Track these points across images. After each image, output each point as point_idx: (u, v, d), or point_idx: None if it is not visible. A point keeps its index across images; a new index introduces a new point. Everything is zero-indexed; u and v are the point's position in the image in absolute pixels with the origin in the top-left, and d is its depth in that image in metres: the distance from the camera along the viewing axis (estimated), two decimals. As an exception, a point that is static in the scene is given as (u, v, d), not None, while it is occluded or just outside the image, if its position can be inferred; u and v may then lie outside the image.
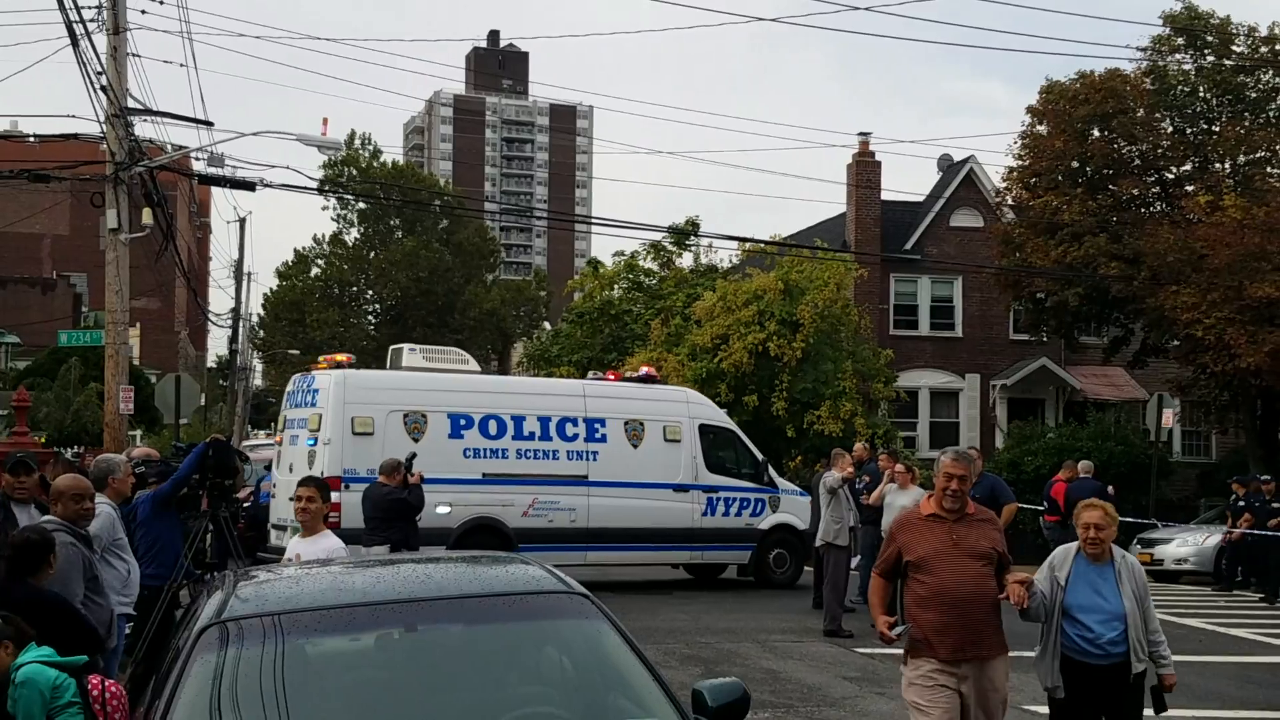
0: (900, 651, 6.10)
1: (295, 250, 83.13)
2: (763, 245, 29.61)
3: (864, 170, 31.71)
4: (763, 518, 17.87)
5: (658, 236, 33.75)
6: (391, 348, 17.90)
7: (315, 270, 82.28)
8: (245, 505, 16.76)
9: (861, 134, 31.98)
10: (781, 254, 29.25)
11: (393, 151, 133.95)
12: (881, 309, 31.77)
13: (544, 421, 16.50)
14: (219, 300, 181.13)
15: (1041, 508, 21.41)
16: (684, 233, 32.93)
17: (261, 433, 52.14)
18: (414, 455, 12.73)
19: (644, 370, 18.39)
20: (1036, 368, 31.85)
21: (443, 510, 15.54)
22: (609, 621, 4.41)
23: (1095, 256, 25.22)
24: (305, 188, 31.71)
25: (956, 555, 5.85)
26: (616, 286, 34.48)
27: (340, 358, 16.34)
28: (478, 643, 4.29)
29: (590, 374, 19.96)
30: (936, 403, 32.71)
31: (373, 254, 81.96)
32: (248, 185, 19.08)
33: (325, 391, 15.60)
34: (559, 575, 4.66)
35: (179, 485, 8.78)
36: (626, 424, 17.12)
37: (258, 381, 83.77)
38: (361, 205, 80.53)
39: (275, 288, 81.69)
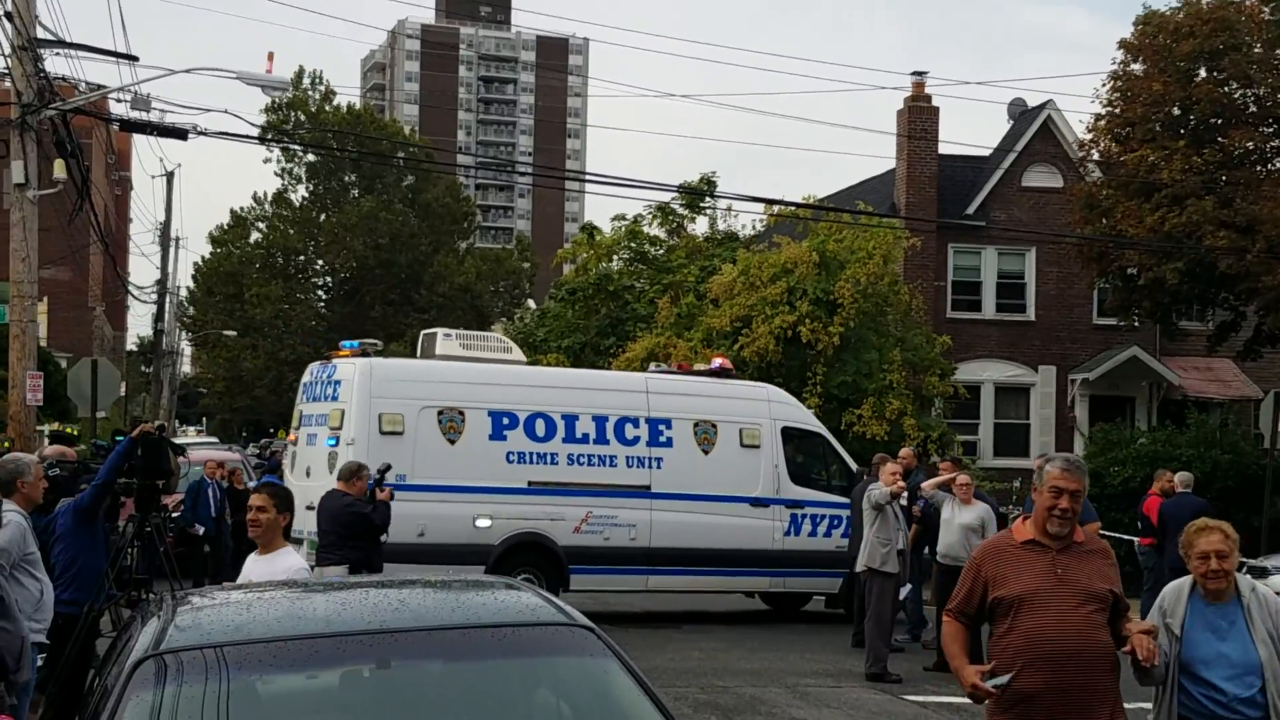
0: (964, 698, 5.85)
1: (232, 211, 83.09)
2: (793, 209, 29.62)
3: (918, 118, 31.70)
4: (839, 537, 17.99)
5: (666, 197, 33.79)
6: (423, 333, 18.37)
7: (255, 235, 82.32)
8: (174, 516, 16.97)
9: (915, 74, 31.95)
10: (816, 219, 29.26)
11: (348, 93, 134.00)
12: (937, 286, 31.81)
13: (600, 421, 16.95)
14: (141, 270, 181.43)
15: (1133, 529, 21.41)
16: (698, 193, 32.98)
17: (191, 429, 52.33)
18: (388, 467, 12.96)
19: (716, 362, 18.74)
20: (1125, 359, 31.89)
21: (483, 524, 16.05)
22: (618, 660, 4.43)
23: (1200, 224, 25.06)
24: (245, 136, 30.27)
25: (1061, 595, 5.39)
26: (616, 257, 34.54)
27: (368, 343, 16.78)
28: (462, 683, 4.32)
29: (653, 365, 20.33)
30: (1003, 400, 32.78)
31: (324, 216, 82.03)
32: (177, 133, 19.04)
33: (349, 383, 16.00)
34: (558, 604, 4.71)
35: (101, 492, 8.82)
36: (696, 425, 17.53)
37: (186, 368, 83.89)
38: (311, 158, 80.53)
39: (208, 256, 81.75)
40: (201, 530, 18.88)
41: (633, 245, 34.13)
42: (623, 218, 34.73)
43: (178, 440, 35.09)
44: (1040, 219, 31.73)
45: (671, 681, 12.67)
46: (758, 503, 17.65)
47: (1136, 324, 30.12)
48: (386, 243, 78.52)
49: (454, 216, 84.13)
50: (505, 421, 16.46)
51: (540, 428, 16.63)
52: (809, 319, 25.89)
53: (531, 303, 73.96)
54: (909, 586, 15.21)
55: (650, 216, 34.08)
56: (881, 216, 29.11)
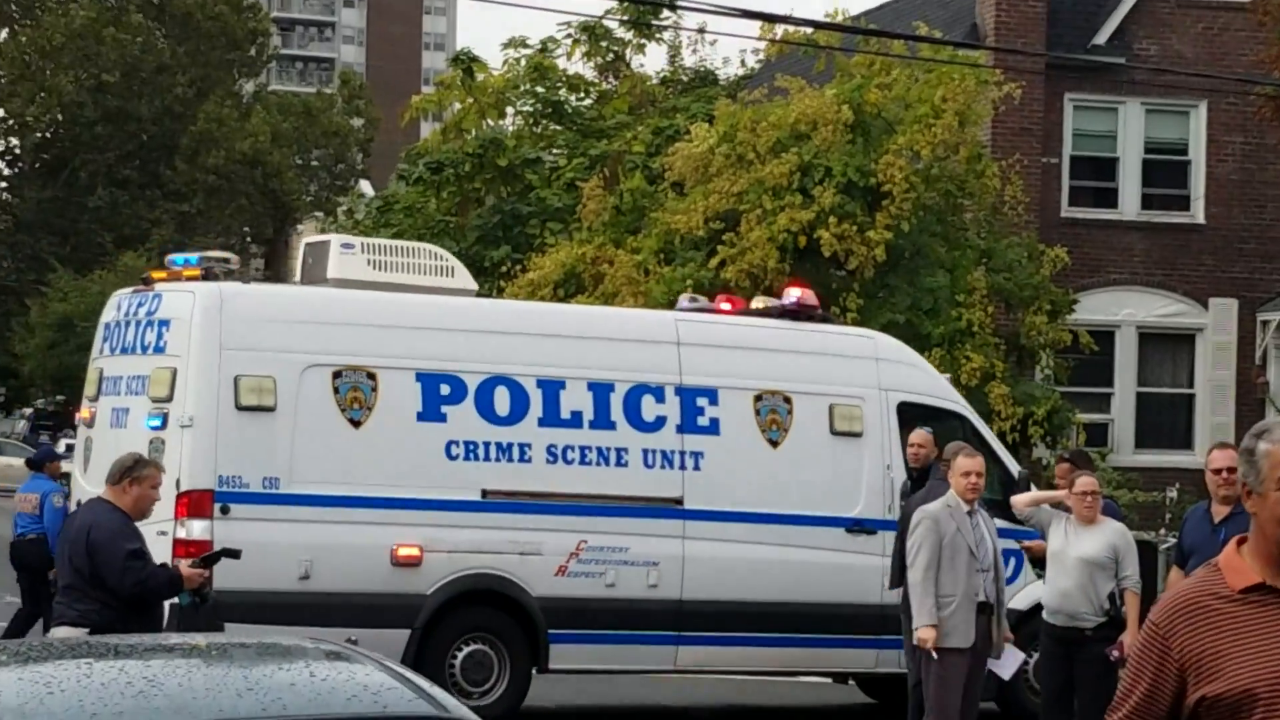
0: None
1: None
2: (809, 32, 29.64)
3: (1018, -116, 31.79)
4: (1019, 585, 18.04)
5: (597, 10, 33.77)
6: (305, 241, 18.74)
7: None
8: None
9: None
10: (848, 52, 29.23)
11: None
12: (1048, 166, 31.98)
13: (600, 392, 17.23)
14: None
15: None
16: (650, 2, 32.92)
17: None
18: (237, 554, 13.03)
19: (793, 294, 18.99)
20: (1353, 288, 32.27)
21: (406, 557, 16.32)
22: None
23: None
24: None
25: None
26: (511, 111, 34.47)
27: (215, 256, 17.11)
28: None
29: (685, 299, 20.42)
30: (1152, 355, 33.13)
31: (4, 34, 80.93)
32: None
33: (183, 324, 16.24)
34: (420, 684, 4.85)
35: None
36: (759, 400, 17.83)
37: None
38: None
39: None
40: None
41: (539, 91, 34.09)
42: (522, 44, 34.70)
43: None
44: (1215, 55, 32.00)
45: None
46: (859, 527, 17.90)
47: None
48: (116, 81, 77.65)
49: (233, 38, 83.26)
50: (444, 391, 16.69)
51: (502, 401, 16.84)
52: (835, 217, 26.02)
53: (367, 185, 73.37)
54: (1016, 658, 15.45)
55: (569, 43, 34.03)
56: (956, 47, 29.21)
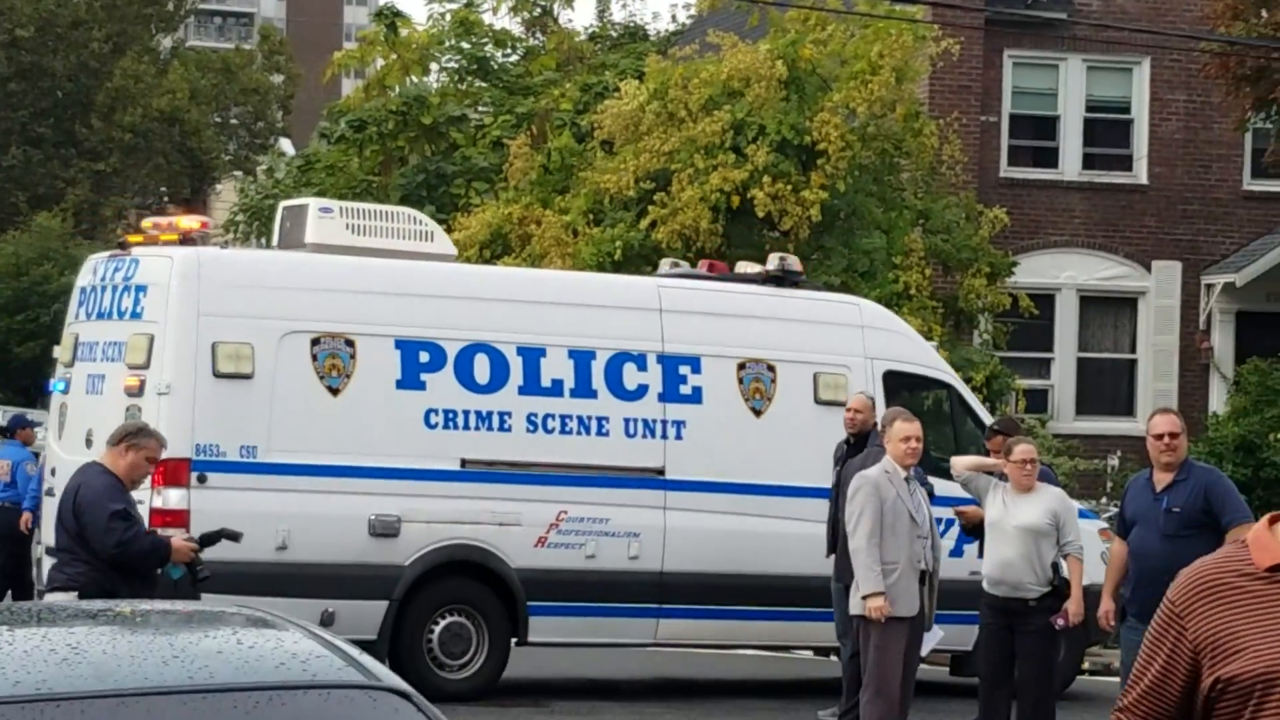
0: None
1: None
2: (745, -15, 29.69)
3: None
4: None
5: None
6: (283, 205, 19.13)
7: None
8: None
9: None
10: (783, 4, 29.25)
11: None
12: (986, 124, 32.07)
13: (581, 360, 17.43)
14: None
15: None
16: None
17: None
18: (237, 536, 13.04)
19: (779, 261, 19.14)
20: (1295, 251, 32.48)
21: (384, 528, 16.50)
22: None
23: None
24: None
25: None
26: (436, 67, 34.42)
27: (188, 223, 17.18)
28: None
29: (667, 263, 20.65)
30: (1093, 319, 33.31)
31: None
32: None
33: (161, 290, 16.43)
34: (351, 653, 4.74)
35: None
36: (742, 369, 18.04)
37: None
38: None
39: None
40: None
41: (464, 47, 34.10)
42: (446, -2, 34.60)
43: None
44: (1158, 10, 32.13)
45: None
46: None
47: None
48: (29, 36, 77.21)
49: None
50: (424, 358, 16.87)
51: (482, 369, 17.02)
52: (769, 176, 26.12)
53: (287, 144, 73.32)
54: (937, 633, 15.49)
55: (494, -1, 33.97)
56: (893, 1, 29.24)
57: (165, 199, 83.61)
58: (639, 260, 26.07)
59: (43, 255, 68.88)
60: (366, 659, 4.72)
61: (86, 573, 11.82)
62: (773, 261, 19.19)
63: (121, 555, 11.87)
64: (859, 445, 16.22)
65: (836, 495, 16.05)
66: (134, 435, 12.21)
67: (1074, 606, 14.06)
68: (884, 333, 19.08)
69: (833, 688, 16.81)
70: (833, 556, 16.32)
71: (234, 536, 12.93)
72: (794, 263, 19.32)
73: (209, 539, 12.61)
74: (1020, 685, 14.04)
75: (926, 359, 19.54)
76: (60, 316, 72.23)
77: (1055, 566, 14.11)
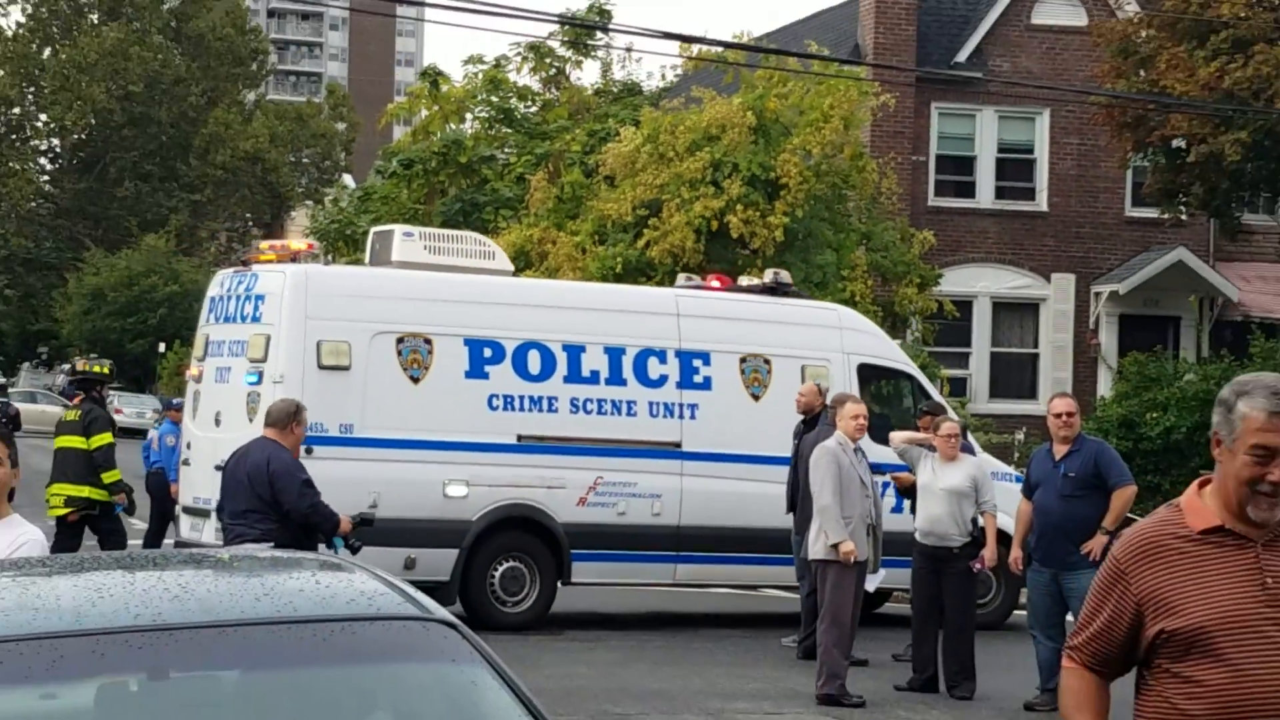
0: None
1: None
2: (720, 50, 29.62)
3: (893, -73, 31.79)
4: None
5: (541, 32, 33.71)
6: (374, 231, 18.95)
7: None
8: None
9: None
10: (751, 66, 29.24)
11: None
12: (917, 162, 32.09)
13: (614, 355, 17.55)
14: None
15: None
16: (586, 26, 32.89)
17: None
18: (371, 520, 13.03)
19: (773, 275, 19.25)
20: (1169, 265, 32.53)
21: (455, 492, 16.69)
22: (490, 668, 4.45)
23: (1271, 79, 25.51)
24: None
25: (1276, 625, 4.60)
26: (470, 117, 34.41)
27: (297, 245, 17.48)
28: (270, 700, 4.31)
29: (682, 278, 20.79)
30: (1003, 321, 33.32)
31: (48, 52, 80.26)
32: None
33: (275, 299, 16.60)
34: (408, 590, 4.71)
35: None
36: (743, 361, 18.16)
37: None
38: (30, -35, 78.56)
39: (-122, 106, 79.70)
40: None
41: (493, 100, 34.03)
42: (479, 61, 34.64)
43: None
44: (1056, 70, 32.15)
45: (555, 705, 12.76)
46: None
47: (1184, 217, 30.63)
48: (140, 91, 77.09)
49: (237, 55, 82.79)
50: (487, 354, 16.96)
51: (534, 362, 17.14)
52: (741, 205, 26.11)
53: (349, 179, 73.16)
54: (880, 574, 15.50)
55: (518, 60, 33.97)
56: (841, 63, 29.26)
57: (250, 223, 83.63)
58: (636, 273, 26.07)
59: (150, 269, 68.96)
60: (420, 595, 4.71)
61: (278, 530, 11.95)
62: (769, 275, 19.29)
63: (311, 516, 12.09)
64: (811, 424, 16.25)
65: (795, 463, 16.13)
66: (296, 414, 12.31)
67: (989, 553, 14.08)
68: (858, 333, 19.16)
69: (793, 620, 16.83)
70: (792, 514, 16.40)
71: (370, 521, 13.02)
72: (785, 276, 19.41)
73: (365, 520, 12.73)
74: (947, 617, 14.05)
75: (892, 354, 19.64)
76: (165, 320, 72.20)
77: (974, 521, 14.12)
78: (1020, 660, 14.50)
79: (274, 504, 12.06)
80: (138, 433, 54.44)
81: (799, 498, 15.96)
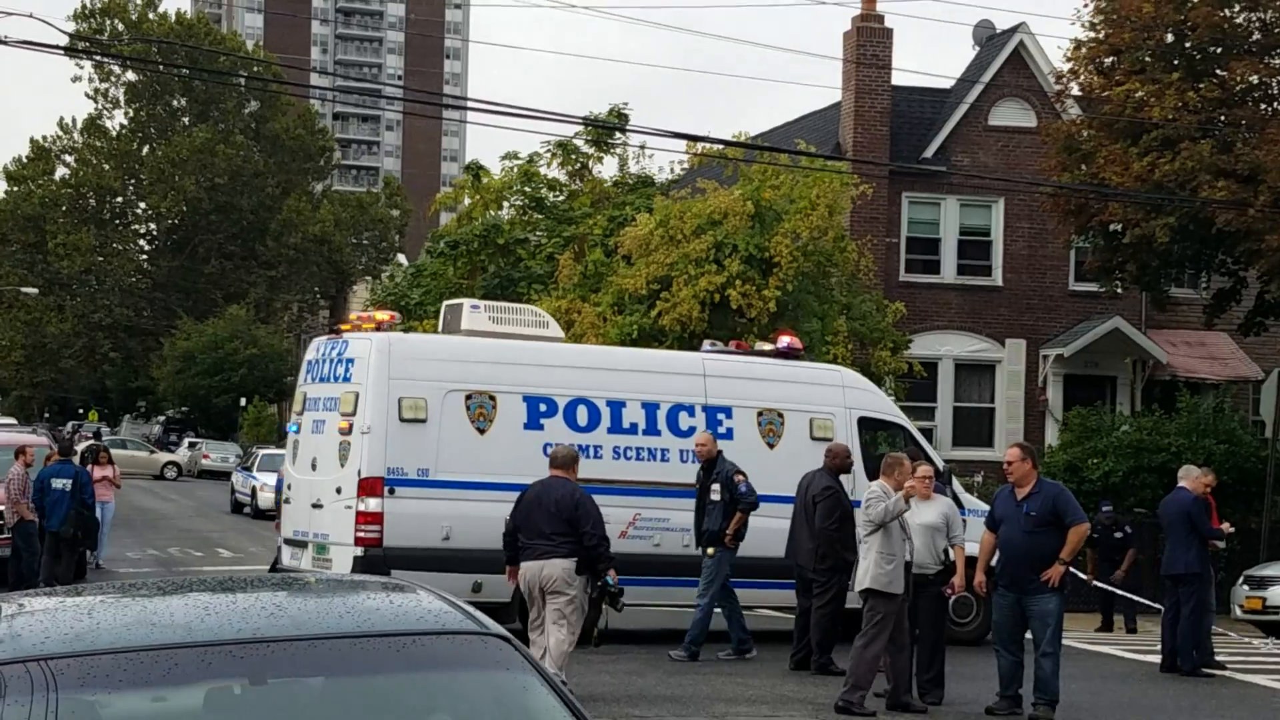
0: None
1: (33, 141, 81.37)
2: (721, 148, 29.72)
3: (868, 42, 31.95)
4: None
5: (568, 132, 33.76)
6: (445, 304, 19.07)
7: (62, 171, 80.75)
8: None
9: (867, -10, 32.21)
10: (748, 161, 29.33)
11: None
12: (889, 243, 32.15)
13: (650, 409, 17.67)
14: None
15: (1111, 533, 22.12)
16: (606, 127, 32.97)
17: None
18: (618, 596, 13.25)
19: (784, 341, 19.26)
20: (1106, 332, 32.52)
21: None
22: (538, 675, 4.49)
23: (1195, 172, 25.46)
24: (49, 45, 27.16)
25: None
26: (506, 204, 34.42)
27: (381, 316, 17.57)
28: (352, 703, 4.35)
29: (707, 344, 20.75)
30: (964, 380, 33.28)
31: (147, 149, 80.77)
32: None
33: (363, 362, 16.71)
34: (465, 608, 4.75)
35: None
36: (760, 415, 18.23)
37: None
38: (131, 76, 79.08)
39: (2, 195, 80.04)
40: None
41: (527, 190, 34.06)
42: (514, 156, 34.67)
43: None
44: (1010, 164, 32.20)
45: (578, 710, 12.69)
46: None
47: (1120, 290, 30.74)
48: (224, 182, 77.58)
49: (307, 152, 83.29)
50: (542, 408, 17.05)
51: (582, 416, 17.22)
52: (740, 280, 26.06)
53: (403, 258, 73.46)
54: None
55: (548, 155, 34.03)
56: (825, 159, 29.34)
57: (317, 296, 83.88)
58: (649, 339, 26.03)
59: (232, 335, 69.28)
60: (478, 613, 4.74)
61: (578, 550, 12.80)
62: (781, 341, 19.28)
63: (598, 547, 12.88)
64: (708, 469, 16.39)
65: (701, 500, 16.37)
66: (576, 459, 13.36)
67: (958, 580, 13.99)
68: (858, 390, 19.17)
69: (785, 636, 16.72)
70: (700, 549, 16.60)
71: (620, 592, 13.23)
72: (795, 342, 19.36)
73: (611, 594, 13.11)
74: (920, 633, 13.94)
75: (888, 409, 19.65)
76: (245, 379, 72.32)
77: (946, 552, 14.02)
78: (982, 670, 14.41)
79: (575, 529, 12.83)
80: (223, 475, 54.94)
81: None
